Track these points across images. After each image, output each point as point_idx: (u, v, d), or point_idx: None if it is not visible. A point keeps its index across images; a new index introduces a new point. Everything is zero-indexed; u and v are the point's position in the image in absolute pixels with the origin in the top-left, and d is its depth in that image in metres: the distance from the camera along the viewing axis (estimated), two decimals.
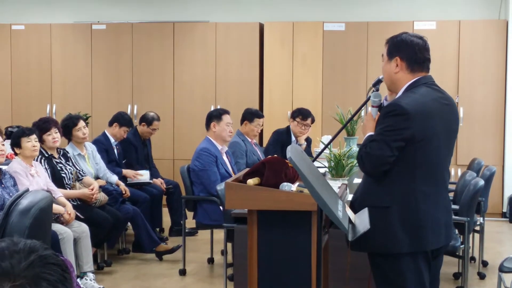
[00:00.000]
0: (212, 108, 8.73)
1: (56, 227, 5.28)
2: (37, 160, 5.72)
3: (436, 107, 3.25)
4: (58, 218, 5.42)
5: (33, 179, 5.42)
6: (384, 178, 3.20)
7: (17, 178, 5.29)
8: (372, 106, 3.42)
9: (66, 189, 5.86)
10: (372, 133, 3.31)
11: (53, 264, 1.31)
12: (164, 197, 7.70)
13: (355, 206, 3.31)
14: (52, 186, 5.60)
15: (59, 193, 5.59)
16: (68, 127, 6.42)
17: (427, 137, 3.19)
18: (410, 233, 3.18)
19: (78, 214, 5.66)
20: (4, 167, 5.31)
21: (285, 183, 3.29)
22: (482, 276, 6.09)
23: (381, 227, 3.17)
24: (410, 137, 3.14)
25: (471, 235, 6.16)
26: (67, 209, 5.47)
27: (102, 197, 6.11)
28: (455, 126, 3.40)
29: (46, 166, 5.82)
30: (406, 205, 3.18)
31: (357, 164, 5.45)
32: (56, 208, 5.28)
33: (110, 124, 7.29)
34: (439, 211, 3.27)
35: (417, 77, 3.29)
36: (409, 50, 3.29)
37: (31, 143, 5.48)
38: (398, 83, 3.31)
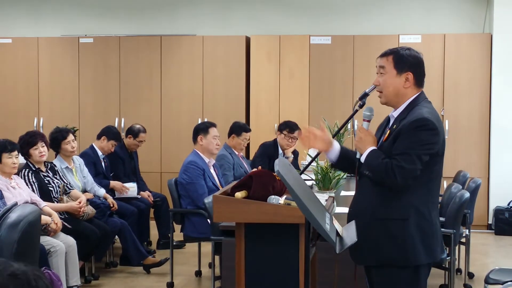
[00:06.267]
0: (200, 121, 8.76)
1: (47, 241, 5.28)
2: (22, 174, 5.72)
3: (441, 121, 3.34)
4: (45, 228, 5.40)
5: (15, 191, 5.39)
6: (403, 190, 3.22)
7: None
8: (364, 120, 3.45)
9: (53, 202, 5.85)
10: (374, 147, 3.30)
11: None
12: (152, 210, 7.70)
13: (365, 219, 3.26)
14: (36, 197, 5.58)
15: (43, 203, 5.57)
16: (57, 140, 6.42)
17: (443, 151, 3.29)
18: (426, 244, 3.24)
19: (66, 224, 5.65)
20: None
21: (272, 196, 3.30)
22: None
23: (399, 239, 3.21)
24: (436, 152, 3.23)
25: (457, 247, 6.20)
26: (53, 219, 5.46)
27: (90, 210, 6.10)
28: None
29: (34, 179, 5.80)
30: (423, 217, 3.24)
31: (344, 177, 5.52)
32: (42, 218, 5.25)
33: (99, 137, 7.29)
34: (438, 223, 3.38)
35: (419, 91, 3.37)
36: (420, 67, 3.36)
37: (11, 159, 5.44)
38: (403, 97, 3.34)
